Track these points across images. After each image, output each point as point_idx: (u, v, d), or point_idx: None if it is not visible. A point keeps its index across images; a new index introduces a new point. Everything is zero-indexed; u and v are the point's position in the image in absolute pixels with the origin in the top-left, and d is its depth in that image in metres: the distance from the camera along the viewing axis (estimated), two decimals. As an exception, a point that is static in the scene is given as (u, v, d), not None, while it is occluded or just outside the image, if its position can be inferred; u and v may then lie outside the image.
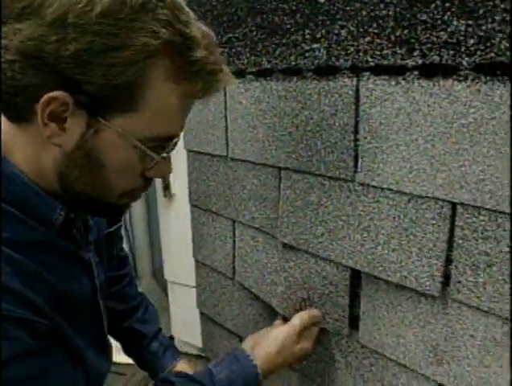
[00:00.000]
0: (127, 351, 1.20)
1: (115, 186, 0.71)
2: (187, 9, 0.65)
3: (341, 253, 0.95)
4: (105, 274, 0.92)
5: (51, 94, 0.60)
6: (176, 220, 1.98)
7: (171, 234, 2.08)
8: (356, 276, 0.96)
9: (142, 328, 1.16)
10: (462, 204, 0.76)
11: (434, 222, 0.79)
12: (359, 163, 0.88)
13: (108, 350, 0.94)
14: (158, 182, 1.95)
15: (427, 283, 0.82)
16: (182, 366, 1.17)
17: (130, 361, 1.79)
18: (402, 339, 0.89)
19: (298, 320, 1.01)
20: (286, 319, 1.10)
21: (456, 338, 0.81)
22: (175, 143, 0.72)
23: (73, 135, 0.64)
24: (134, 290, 1.21)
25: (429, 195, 0.79)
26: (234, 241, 1.25)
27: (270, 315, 1.19)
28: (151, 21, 0.60)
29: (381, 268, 0.88)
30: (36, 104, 0.61)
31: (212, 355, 1.51)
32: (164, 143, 0.70)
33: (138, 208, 2.57)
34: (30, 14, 0.58)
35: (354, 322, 0.99)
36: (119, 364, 2.01)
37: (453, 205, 0.77)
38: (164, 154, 0.70)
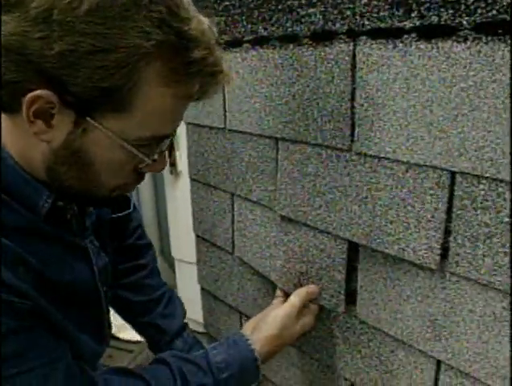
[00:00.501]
0: (151, 347, 1.17)
1: (106, 183, 0.69)
2: (187, 2, 0.60)
3: (339, 225, 0.92)
4: (110, 260, 0.90)
5: (36, 93, 0.57)
6: (183, 198, 1.97)
7: (178, 212, 2.07)
8: (353, 249, 0.93)
9: (163, 324, 1.12)
10: (461, 173, 0.72)
11: (432, 192, 0.76)
12: (356, 132, 0.84)
13: (107, 334, 0.93)
14: (165, 160, 1.93)
15: (426, 255, 0.79)
16: None
17: (138, 338, 1.77)
18: (400, 314, 0.87)
19: (296, 297, 0.98)
20: (285, 294, 1.08)
21: (455, 313, 0.79)
22: (170, 141, 0.70)
23: (60, 132, 0.62)
24: (156, 282, 1.16)
25: (427, 164, 0.75)
26: (233, 215, 1.23)
27: (270, 290, 1.17)
28: (144, 20, 0.55)
29: (378, 241, 0.86)
30: (23, 98, 0.58)
31: (212, 330, 1.50)
32: (156, 142, 0.68)
33: (146, 188, 2.56)
34: (14, 6, 0.55)
35: (352, 296, 0.96)
36: (127, 342, 2.03)
37: (452, 174, 0.73)
38: (155, 156, 0.68)
